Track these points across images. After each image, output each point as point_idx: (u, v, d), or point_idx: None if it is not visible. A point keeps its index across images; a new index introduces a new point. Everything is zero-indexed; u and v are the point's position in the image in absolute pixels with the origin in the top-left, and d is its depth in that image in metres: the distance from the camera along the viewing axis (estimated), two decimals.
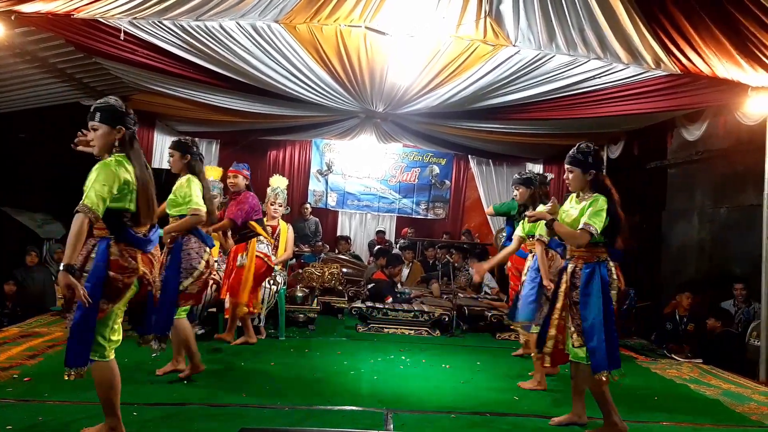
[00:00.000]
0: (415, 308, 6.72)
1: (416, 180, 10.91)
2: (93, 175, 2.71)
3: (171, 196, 4.02)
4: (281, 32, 5.28)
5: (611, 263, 3.39)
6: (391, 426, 3.44)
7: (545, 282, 4.26)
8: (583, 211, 3.36)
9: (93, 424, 2.99)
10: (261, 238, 5.27)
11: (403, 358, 5.28)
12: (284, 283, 5.94)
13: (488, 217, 10.47)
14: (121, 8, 4.75)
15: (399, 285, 8.06)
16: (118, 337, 2.91)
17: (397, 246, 9.75)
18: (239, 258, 5.16)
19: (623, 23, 4.68)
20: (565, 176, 3.57)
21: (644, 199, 9.28)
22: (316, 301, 6.62)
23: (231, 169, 5.29)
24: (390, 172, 10.84)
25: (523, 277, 4.53)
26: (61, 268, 2.57)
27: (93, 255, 2.74)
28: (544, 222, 3.43)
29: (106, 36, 5.11)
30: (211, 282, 5.26)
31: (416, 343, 6.02)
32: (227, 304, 5.17)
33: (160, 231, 3.19)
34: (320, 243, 9.47)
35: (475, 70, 5.77)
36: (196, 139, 5.45)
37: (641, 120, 6.84)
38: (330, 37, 5.41)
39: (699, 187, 8.56)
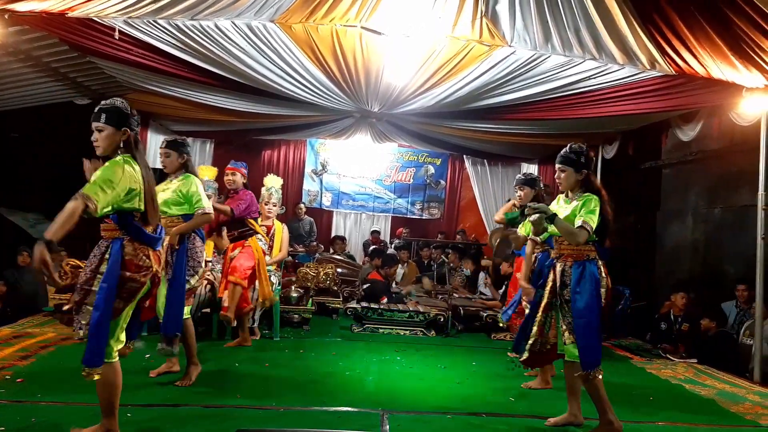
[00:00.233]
0: (411, 308, 6.72)
1: (411, 180, 10.91)
2: (100, 170, 2.73)
3: (172, 196, 3.96)
4: (277, 32, 5.27)
5: (600, 261, 3.42)
6: (387, 427, 3.43)
7: (522, 284, 4.28)
8: (575, 211, 3.37)
9: (87, 425, 2.96)
10: (259, 236, 5.26)
11: (399, 358, 5.27)
12: (279, 284, 5.92)
13: (483, 218, 10.49)
14: (115, 7, 4.72)
15: (394, 284, 8.06)
16: (124, 338, 2.93)
17: (392, 246, 9.75)
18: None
19: (619, 24, 4.69)
20: (556, 176, 3.59)
21: (639, 199, 9.32)
22: (311, 301, 6.61)
23: (229, 166, 5.28)
24: (385, 172, 10.84)
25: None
26: (42, 239, 2.47)
27: (107, 256, 2.77)
28: (544, 218, 3.36)
29: (101, 35, 5.08)
30: (205, 282, 5.26)
31: (411, 343, 6.01)
32: (224, 302, 5.13)
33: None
34: (315, 243, 9.45)
35: (470, 70, 5.77)
36: (190, 138, 5.44)
37: (636, 120, 6.86)
38: (326, 37, 5.40)
39: (693, 188, 8.59)
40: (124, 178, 2.73)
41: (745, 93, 5.20)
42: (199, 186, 4.00)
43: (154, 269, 2.89)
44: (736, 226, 7.46)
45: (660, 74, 5.30)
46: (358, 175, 10.78)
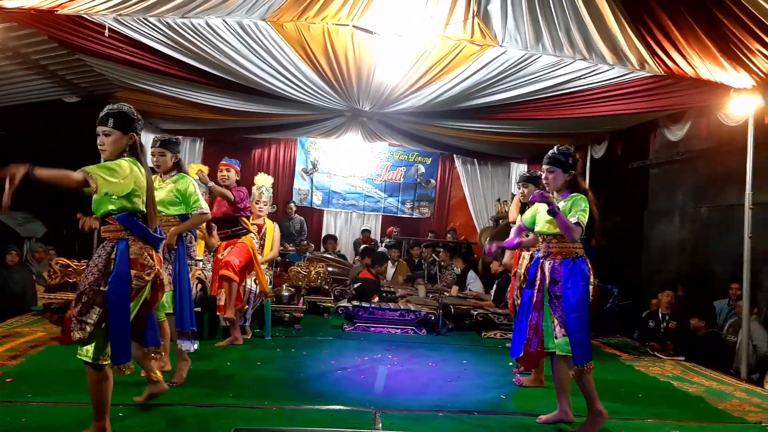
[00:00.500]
0: (402, 307, 6.73)
1: (402, 179, 10.94)
2: (107, 162, 2.82)
3: (168, 196, 3.94)
4: (268, 30, 5.26)
5: (587, 259, 3.49)
6: (380, 425, 3.44)
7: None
8: (564, 211, 3.41)
9: (78, 425, 2.94)
10: (252, 235, 5.26)
11: (390, 357, 5.28)
12: (270, 282, 5.91)
13: (473, 217, 10.54)
14: (105, 4, 4.69)
15: (384, 284, 8.07)
16: None
17: (383, 245, 9.76)
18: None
19: (609, 24, 4.73)
20: (543, 176, 3.64)
21: (626, 199, 9.39)
22: (302, 300, 6.60)
23: (223, 162, 5.27)
24: (375, 171, 10.85)
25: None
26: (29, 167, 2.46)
27: (113, 256, 2.83)
28: (546, 210, 3.35)
29: (91, 33, 5.04)
30: (196, 281, 5.24)
31: (403, 342, 6.02)
32: (220, 301, 5.11)
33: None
34: (305, 242, 9.44)
35: (461, 69, 5.79)
36: (179, 136, 5.43)
37: (625, 120, 6.91)
38: (317, 36, 5.39)
39: (680, 187, 8.68)
40: (131, 176, 2.81)
41: (733, 93, 5.25)
42: (195, 186, 4.02)
43: (157, 269, 2.96)
44: (723, 226, 7.54)
45: (649, 74, 5.35)
46: (348, 174, 10.79)
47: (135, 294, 2.86)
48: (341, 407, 3.71)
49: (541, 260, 3.57)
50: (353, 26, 5.23)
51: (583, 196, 3.46)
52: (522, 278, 4.26)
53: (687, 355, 6.03)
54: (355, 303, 6.67)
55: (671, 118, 6.37)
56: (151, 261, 2.92)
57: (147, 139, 8.28)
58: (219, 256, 5.21)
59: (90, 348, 2.77)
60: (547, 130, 7.59)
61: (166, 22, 5.04)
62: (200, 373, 4.25)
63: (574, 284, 3.38)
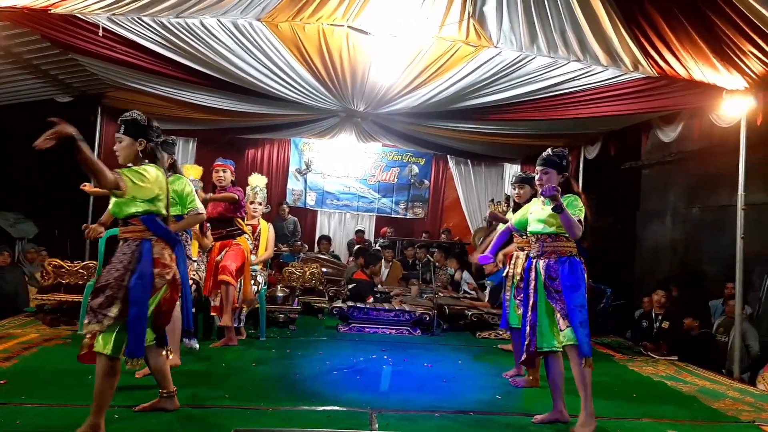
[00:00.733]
0: (396, 308, 6.73)
1: (395, 179, 10.94)
2: (134, 167, 3.02)
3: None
4: (263, 30, 5.26)
5: (581, 258, 3.53)
6: (376, 426, 3.43)
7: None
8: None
9: (72, 427, 2.92)
10: (246, 236, 5.25)
11: (385, 357, 5.28)
12: (265, 283, 5.90)
13: (466, 217, 10.57)
14: (99, 4, 4.68)
15: (379, 285, 8.06)
16: None
17: (377, 245, 9.76)
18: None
19: (603, 25, 4.76)
20: (537, 178, 3.64)
21: (619, 199, 9.44)
22: (296, 301, 6.59)
23: (218, 163, 5.27)
24: (369, 172, 10.85)
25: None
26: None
27: (137, 255, 2.99)
28: (552, 207, 3.35)
29: (84, 32, 5.03)
30: (191, 282, 5.22)
31: (398, 342, 6.02)
32: (215, 302, 5.10)
33: None
34: (299, 243, 9.42)
35: (456, 70, 5.81)
36: (174, 137, 5.41)
37: (619, 121, 6.95)
38: (312, 36, 5.39)
39: (672, 188, 8.73)
40: (156, 181, 3.03)
41: (726, 95, 5.30)
42: (191, 186, 4.04)
43: (173, 268, 3.14)
44: (715, 226, 7.59)
45: (643, 76, 5.39)
46: (342, 174, 10.78)
47: (154, 292, 3.03)
48: (338, 408, 3.71)
49: (534, 260, 3.59)
50: (348, 27, 5.23)
51: (577, 196, 3.51)
52: (519, 278, 4.28)
53: (680, 354, 6.07)
54: (350, 303, 6.66)
55: (664, 119, 6.41)
56: (170, 260, 3.11)
57: None
58: (217, 258, 5.19)
59: (110, 342, 2.88)
60: (540, 131, 7.63)
61: (161, 22, 5.03)
62: (195, 374, 4.24)
63: (574, 281, 3.42)
